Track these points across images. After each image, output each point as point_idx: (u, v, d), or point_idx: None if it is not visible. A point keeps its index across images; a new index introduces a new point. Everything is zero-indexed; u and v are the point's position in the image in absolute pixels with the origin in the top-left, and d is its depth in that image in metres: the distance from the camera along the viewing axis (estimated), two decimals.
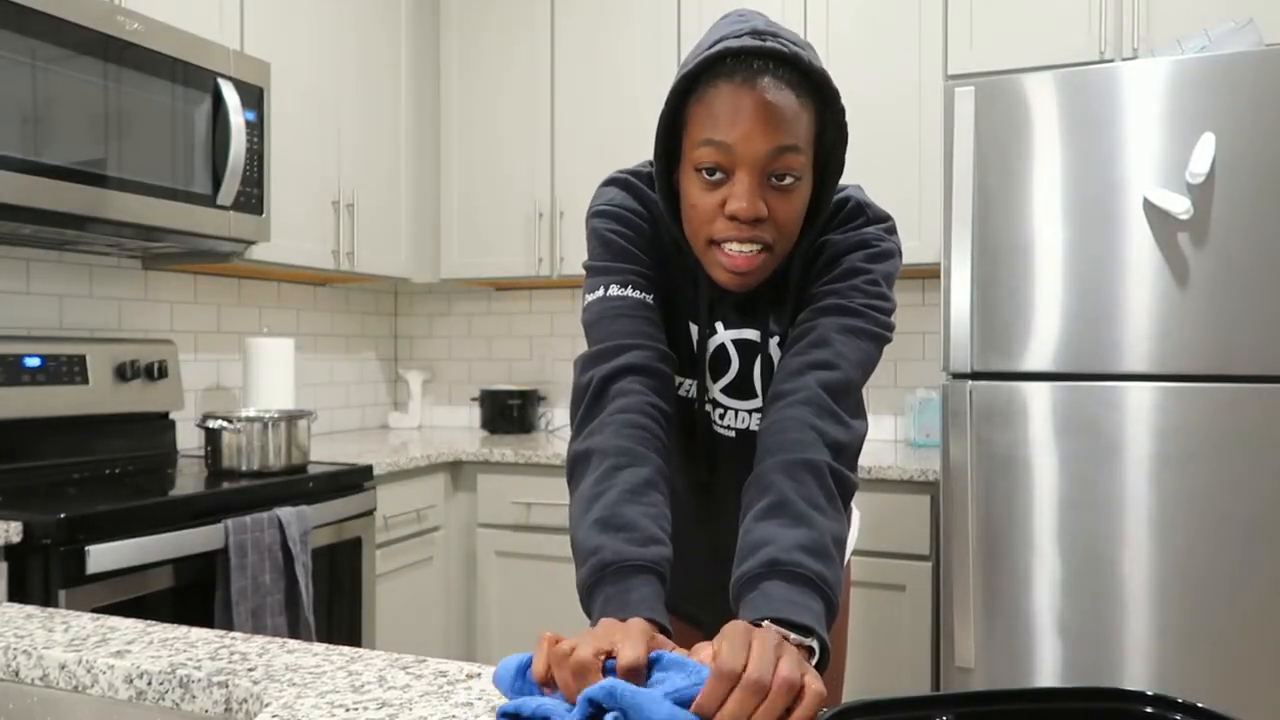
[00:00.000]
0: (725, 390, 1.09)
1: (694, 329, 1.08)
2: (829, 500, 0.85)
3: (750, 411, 1.09)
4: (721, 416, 1.10)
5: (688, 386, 1.10)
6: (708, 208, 0.94)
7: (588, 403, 0.96)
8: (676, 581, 1.21)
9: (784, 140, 0.90)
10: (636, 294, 1.01)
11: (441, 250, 3.03)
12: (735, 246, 0.93)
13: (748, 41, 0.90)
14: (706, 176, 0.93)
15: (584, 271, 1.07)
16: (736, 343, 1.07)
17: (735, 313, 1.07)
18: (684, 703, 0.62)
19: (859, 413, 0.99)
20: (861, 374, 0.97)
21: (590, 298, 1.03)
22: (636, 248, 1.04)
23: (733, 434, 1.10)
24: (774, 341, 1.06)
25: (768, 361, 1.06)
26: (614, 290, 1.01)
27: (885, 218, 1.05)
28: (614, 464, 0.88)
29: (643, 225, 1.06)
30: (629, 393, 0.94)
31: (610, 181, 1.10)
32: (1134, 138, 1.86)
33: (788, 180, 0.92)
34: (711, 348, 1.08)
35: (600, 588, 0.80)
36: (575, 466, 0.92)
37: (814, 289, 1.02)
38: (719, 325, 1.07)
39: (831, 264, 1.02)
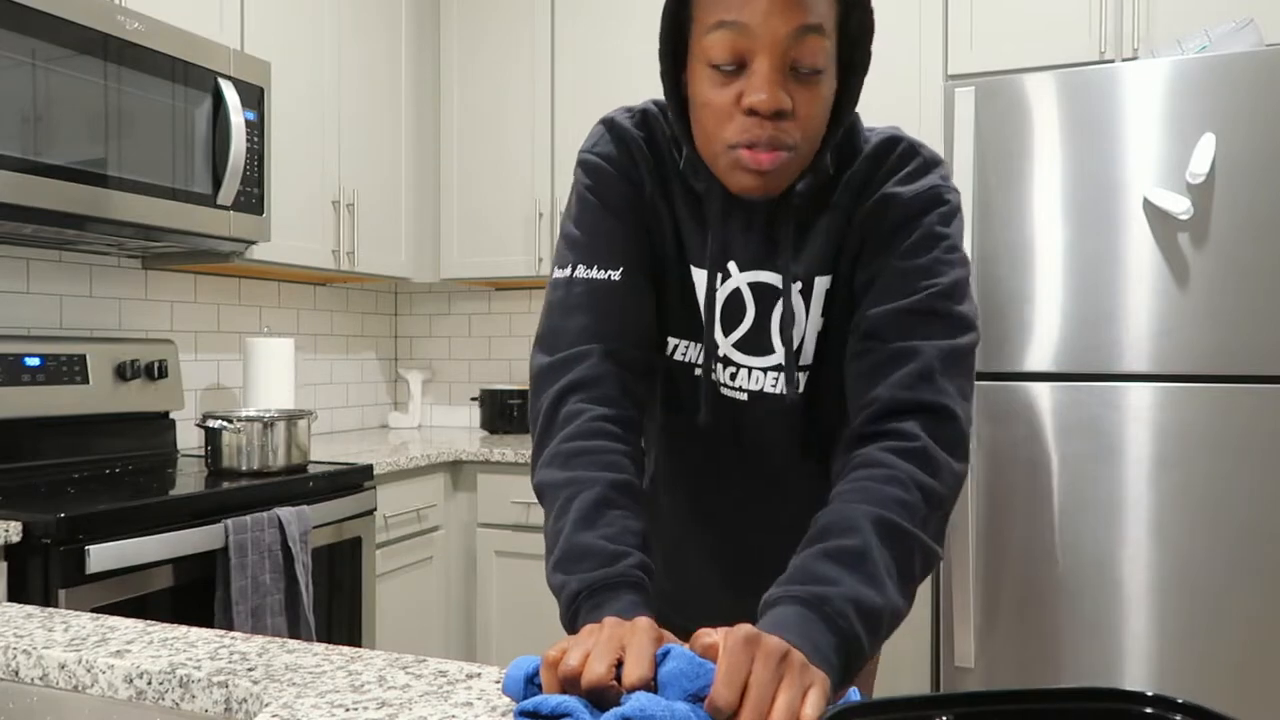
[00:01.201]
0: (738, 345, 0.97)
1: (700, 275, 0.96)
2: (906, 581, 0.77)
3: (765, 370, 0.97)
4: (733, 377, 0.98)
5: (684, 349, 1.00)
6: (722, 105, 0.83)
7: (540, 430, 0.91)
8: (667, 589, 1.12)
9: (807, 19, 0.80)
10: (602, 274, 0.93)
11: (441, 250, 3.03)
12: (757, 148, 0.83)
13: None
14: (720, 68, 0.82)
15: (563, 223, 1.00)
16: (753, 287, 0.95)
17: (752, 253, 0.94)
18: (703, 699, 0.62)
19: (965, 456, 0.86)
20: (969, 420, 0.86)
21: (557, 274, 0.96)
22: (611, 207, 0.96)
23: (744, 396, 0.98)
24: (796, 288, 0.94)
25: (789, 312, 0.93)
26: (579, 271, 0.94)
27: (940, 159, 0.94)
28: (566, 497, 0.83)
29: (623, 176, 0.97)
30: (576, 416, 0.88)
31: (600, 122, 1.01)
32: (1134, 138, 1.86)
33: (812, 70, 0.82)
34: (724, 295, 0.95)
35: (578, 619, 0.77)
36: (540, 501, 0.89)
37: (891, 260, 0.90)
38: (732, 266, 0.95)
39: (904, 228, 0.90)
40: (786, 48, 0.80)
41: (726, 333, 0.97)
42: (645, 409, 0.97)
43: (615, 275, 0.93)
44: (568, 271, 0.95)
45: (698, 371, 1.00)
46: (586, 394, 0.89)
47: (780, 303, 0.94)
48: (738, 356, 0.97)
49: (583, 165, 0.99)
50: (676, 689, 0.62)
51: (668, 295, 0.99)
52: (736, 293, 0.95)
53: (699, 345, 0.99)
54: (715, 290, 0.95)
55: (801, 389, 0.97)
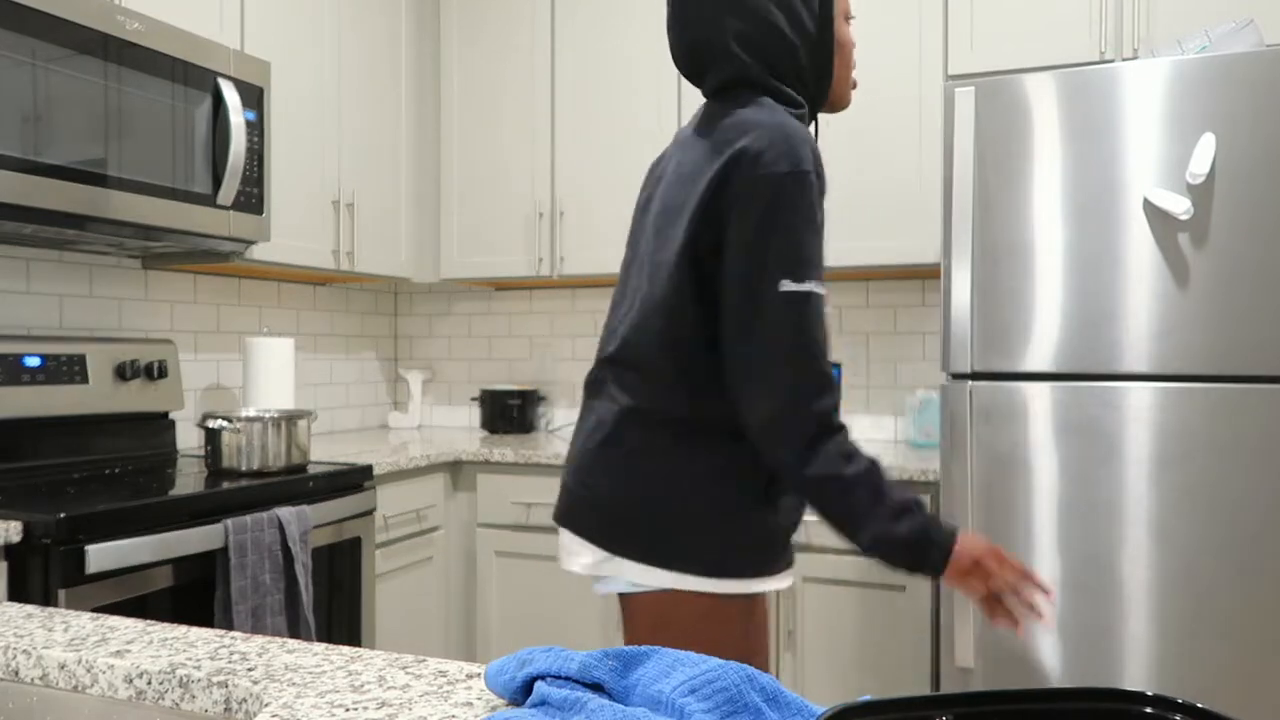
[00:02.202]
0: None
1: None
2: None
3: None
4: None
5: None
6: (852, 45, 1.24)
7: (831, 426, 1.10)
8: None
9: None
10: (822, 289, 1.09)
11: (441, 250, 3.03)
12: None
13: None
14: (849, 19, 1.23)
15: (785, 233, 1.08)
16: None
17: None
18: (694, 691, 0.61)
19: None
20: None
21: (797, 286, 1.07)
22: (821, 225, 1.11)
23: None
24: None
25: None
26: (819, 288, 1.08)
27: None
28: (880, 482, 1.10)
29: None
30: (846, 430, 1.12)
31: (801, 141, 1.11)
32: (1134, 138, 1.86)
33: None
34: None
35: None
36: (831, 464, 1.08)
37: None
38: None
39: None
40: None
41: None
42: None
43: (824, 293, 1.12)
44: (811, 285, 1.09)
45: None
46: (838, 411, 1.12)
47: None
48: None
49: (809, 184, 1.10)
50: (644, 695, 0.63)
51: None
52: None
53: None
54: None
55: None
